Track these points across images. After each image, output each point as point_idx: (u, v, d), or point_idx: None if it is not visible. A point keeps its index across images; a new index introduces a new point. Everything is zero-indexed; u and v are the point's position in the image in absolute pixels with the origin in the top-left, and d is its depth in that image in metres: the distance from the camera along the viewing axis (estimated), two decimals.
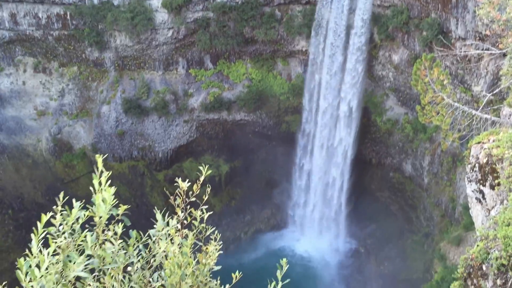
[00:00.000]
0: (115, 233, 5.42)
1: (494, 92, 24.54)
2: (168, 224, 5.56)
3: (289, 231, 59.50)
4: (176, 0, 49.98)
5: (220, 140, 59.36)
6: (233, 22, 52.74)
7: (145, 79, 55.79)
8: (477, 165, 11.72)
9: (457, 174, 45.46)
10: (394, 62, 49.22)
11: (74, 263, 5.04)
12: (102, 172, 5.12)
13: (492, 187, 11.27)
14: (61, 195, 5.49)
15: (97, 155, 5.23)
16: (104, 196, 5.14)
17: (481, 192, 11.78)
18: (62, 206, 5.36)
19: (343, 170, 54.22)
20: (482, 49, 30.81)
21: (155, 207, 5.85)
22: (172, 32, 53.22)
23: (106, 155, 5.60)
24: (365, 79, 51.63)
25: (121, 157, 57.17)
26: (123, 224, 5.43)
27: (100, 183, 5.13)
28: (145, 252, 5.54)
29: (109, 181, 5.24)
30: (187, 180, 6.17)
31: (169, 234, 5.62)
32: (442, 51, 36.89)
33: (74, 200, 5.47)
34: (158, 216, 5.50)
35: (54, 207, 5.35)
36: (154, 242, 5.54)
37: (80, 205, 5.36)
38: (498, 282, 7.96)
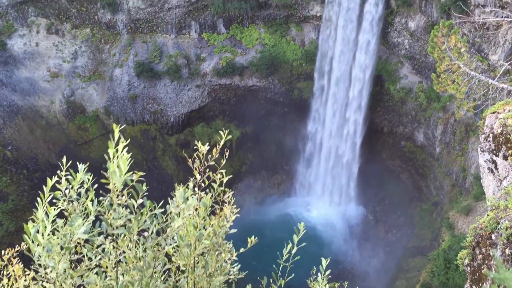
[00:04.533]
0: (130, 198, 5.47)
1: None
2: (187, 199, 5.59)
3: (299, 197, 59.97)
4: None
5: (231, 106, 59.27)
6: None
7: (157, 43, 55.44)
8: (491, 135, 11.62)
9: (469, 144, 45.16)
10: (410, 29, 48.26)
11: (76, 226, 5.13)
12: (119, 138, 5.11)
13: (505, 158, 11.20)
14: (64, 159, 5.53)
15: (114, 124, 5.21)
16: (119, 164, 5.13)
17: (493, 162, 11.72)
18: (72, 169, 5.42)
19: (355, 135, 54.10)
20: (502, 17, 30.06)
21: (176, 183, 5.86)
22: None
23: (122, 125, 5.60)
24: (379, 46, 50.82)
25: (133, 121, 57.49)
26: (143, 194, 5.43)
27: (116, 150, 5.13)
28: (162, 219, 5.59)
29: (126, 148, 5.24)
30: (200, 144, 6.18)
31: (187, 198, 5.67)
32: (460, 18, 36.05)
33: (78, 163, 5.51)
34: (178, 191, 5.52)
35: (58, 171, 5.40)
36: (170, 217, 5.59)
37: (84, 169, 5.40)
38: (507, 251, 8.02)
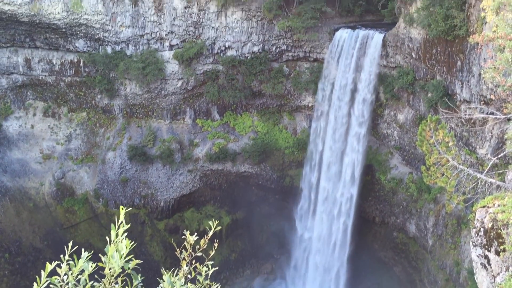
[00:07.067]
0: (124, 286, 5.24)
1: (499, 156, 24.53)
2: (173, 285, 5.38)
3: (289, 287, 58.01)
4: (187, 52, 51.27)
5: (223, 191, 59.06)
6: (242, 76, 53.83)
7: (152, 127, 56.34)
8: (482, 229, 11.53)
9: (462, 237, 44.67)
10: (399, 121, 49.58)
11: None
12: (122, 223, 5.01)
13: (497, 253, 11.03)
14: (70, 244, 5.36)
15: (121, 207, 5.15)
16: (119, 248, 4.97)
17: (486, 257, 11.52)
18: (58, 254, 5.22)
19: (346, 227, 53.46)
20: (487, 113, 31.05)
21: (162, 268, 5.68)
22: (182, 83, 54.26)
23: (127, 208, 5.50)
24: (369, 136, 51.86)
25: (122, 204, 56.76)
26: (137, 283, 5.20)
27: (117, 235, 5.00)
28: None
29: (125, 234, 5.10)
30: (189, 231, 6.05)
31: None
32: (447, 113, 37.20)
33: (83, 250, 5.32)
34: (166, 277, 5.31)
35: (62, 255, 5.17)
36: None
37: (87, 256, 5.20)
38: None
